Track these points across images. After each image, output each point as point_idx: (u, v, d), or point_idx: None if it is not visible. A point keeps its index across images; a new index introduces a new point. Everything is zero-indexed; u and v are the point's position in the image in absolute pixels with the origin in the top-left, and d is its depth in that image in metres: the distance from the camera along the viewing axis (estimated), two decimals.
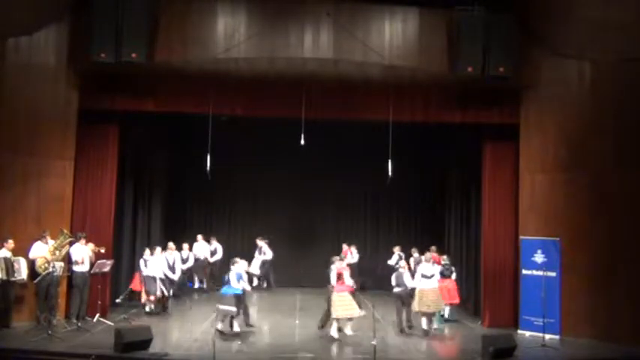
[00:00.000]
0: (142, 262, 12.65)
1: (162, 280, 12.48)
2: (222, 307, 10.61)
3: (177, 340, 10.31)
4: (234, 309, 10.50)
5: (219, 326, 10.69)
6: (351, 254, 15.83)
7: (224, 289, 10.87)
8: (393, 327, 11.48)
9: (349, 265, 14.67)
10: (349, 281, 10.90)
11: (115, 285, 12.80)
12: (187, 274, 15.09)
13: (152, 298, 12.39)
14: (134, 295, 12.99)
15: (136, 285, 12.94)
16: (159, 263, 12.57)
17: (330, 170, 16.67)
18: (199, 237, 15.68)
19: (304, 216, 17.04)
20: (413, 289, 11.31)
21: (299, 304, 13.92)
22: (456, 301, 12.59)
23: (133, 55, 10.55)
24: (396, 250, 15.38)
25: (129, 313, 11.72)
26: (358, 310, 10.64)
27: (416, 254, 14.16)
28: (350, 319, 10.69)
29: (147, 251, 12.89)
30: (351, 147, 16.31)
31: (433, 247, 13.46)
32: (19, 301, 10.86)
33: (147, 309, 12.50)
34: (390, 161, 11.57)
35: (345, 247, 15.94)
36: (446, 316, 12.41)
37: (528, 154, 11.95)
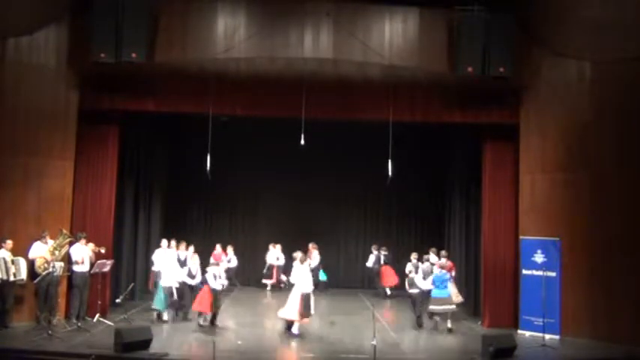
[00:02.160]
0: (211, 276, 11.26)
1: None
2: (447, 307, 11.40)
3: (177, 340, 10.31)
4: (453, 306, 11.57)
5: (450, 325, 11.41)
6: (226, 257, 15.52)
7: (439, 292, 11.36)
8: (392, 327, 11.51)
9: (228, 270, 14.18)
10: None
11: (115, 285, 12.80)
12: None
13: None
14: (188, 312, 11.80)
15: (204, 304, 11.18)
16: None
17: (330, 170, 16.70)
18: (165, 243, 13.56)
19: (304, 216, 17.04)
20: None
21: None
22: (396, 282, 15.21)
23: (133, 55, 10.54)
24: (375, 251, 16.00)
25: (129, 313, 11.71)
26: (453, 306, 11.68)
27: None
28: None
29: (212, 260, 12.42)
30: (351, 147, 16.34)
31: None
32: (19, 301, 10.86)
33: (201, 322, 11.32)
34: (390, 161, 11.58)
35: (218, 248, 15.64)
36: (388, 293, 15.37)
37: (528, 154, 11.95)
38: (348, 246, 17.46)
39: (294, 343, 10.30)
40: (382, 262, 15.90)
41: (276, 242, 16.46)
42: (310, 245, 16.20)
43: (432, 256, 13.46)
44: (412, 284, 12.00)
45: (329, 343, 10.42)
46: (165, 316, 11.68)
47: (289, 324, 10.84)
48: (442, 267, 11.82)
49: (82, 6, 10.97)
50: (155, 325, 11.02)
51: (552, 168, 11.67)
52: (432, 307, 11.47)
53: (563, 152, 11.57)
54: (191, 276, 11.97)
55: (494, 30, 10.94)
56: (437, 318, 11.53)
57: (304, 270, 10.99)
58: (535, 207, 11.79)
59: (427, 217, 17.22)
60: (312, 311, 10.95)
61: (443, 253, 12.99)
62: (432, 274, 11.73)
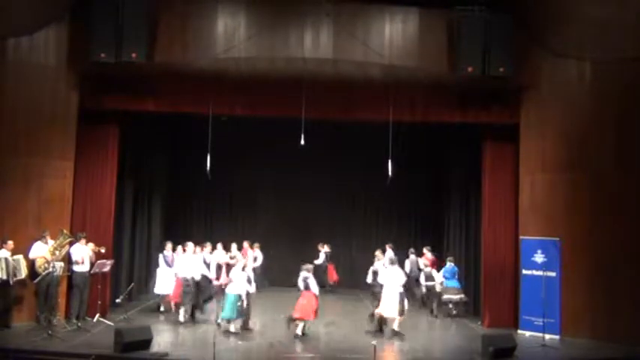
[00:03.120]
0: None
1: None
2: (461, 296, 13.10)
3: (177, 340, 10.31)
4: (463, 295, 13.20)
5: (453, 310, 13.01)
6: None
7: (451, 282, 13.01)
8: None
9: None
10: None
11: (115, 285, 12.79)
12: None
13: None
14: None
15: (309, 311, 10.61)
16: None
17: (329, 170, 16.70)
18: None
19: (304, 216, 17.04)
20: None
21: None
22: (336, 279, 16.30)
23: (133, 55, 10.56)
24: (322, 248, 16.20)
25: (129, 313, 11.72)
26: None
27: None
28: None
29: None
30: (350, 147, 16.33)
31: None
32: (19, 301, 10.86)
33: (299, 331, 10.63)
34: (389, 161, 11.58)
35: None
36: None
37: (528, 154, 11.94)
38: (348, 246, 17.43)
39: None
40: (328, 259, 16.32)
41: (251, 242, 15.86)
42: (246, 244, 15.34)
43: (389, 251, 14.40)
44: (429, 277, 13.30)
45: (329, 343, 10.42)
46: (232, 327, 10.74)
47: (384, 322, 11.14)
48: (451, 261, 13.32)
49: (82, 6, 10.97)
50: (155, 325, 11.00)
51: (552, 168, 11.66)
52: (446, 297, 13.07)
53: (563, 152, 11.56)
54: (249, 282, 11.02)
55: (495, 30, 10.95)
56: (451, 306, 13.05)
57: (395, 270, 11.26)
58: (535, 207, 11.79)
59: (427, 217, 17.21)
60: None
61: (428, 247, 14.29)
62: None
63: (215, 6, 11.05)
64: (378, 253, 12.46)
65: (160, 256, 12.85)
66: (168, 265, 12.58)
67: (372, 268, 12.69)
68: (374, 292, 12.11)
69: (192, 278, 11.64)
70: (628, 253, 10.76)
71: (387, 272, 11.29)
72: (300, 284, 10.86)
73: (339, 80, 11.78)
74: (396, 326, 10.98)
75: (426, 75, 11.56)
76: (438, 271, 13.65)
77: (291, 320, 10.65)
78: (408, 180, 15.83)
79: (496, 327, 11.61)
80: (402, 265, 14.36)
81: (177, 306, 11.93)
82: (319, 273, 16.23)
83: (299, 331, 10.56)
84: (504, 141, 12.27)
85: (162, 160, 15.94)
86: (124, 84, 11.51)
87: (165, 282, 12.50)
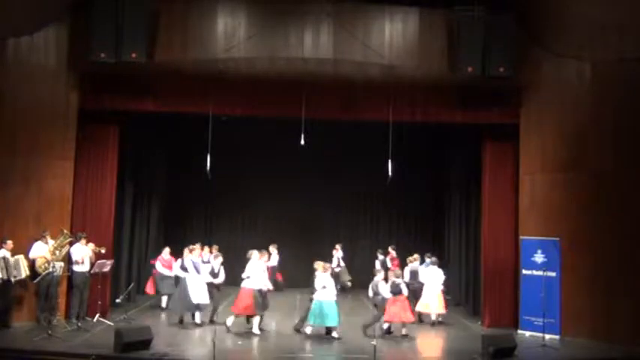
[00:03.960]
0: None
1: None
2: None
3: (177, 340, 10.31)
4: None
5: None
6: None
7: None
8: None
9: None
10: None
11: (115, 285, 12.79)
12: None
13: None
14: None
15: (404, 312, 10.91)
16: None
17: (329, 170, 16.71)
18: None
19: (304, 216, 17.05)
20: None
21: (299, 304, 13.91)
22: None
23: (133, 54, 10.56)
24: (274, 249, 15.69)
25: (129, 313, 11.72)
26: None
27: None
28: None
29: None
30: (351, 147, 16.34)
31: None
32: (19, 301, 10.87)
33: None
34: (390, 161, 11.58)
35: (166, 252, 13.37)
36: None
37: (528, 153, 11.95)
38: (348, 246, 17.42)
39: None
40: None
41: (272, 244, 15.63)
42: (197, 245, 13.60)
43: (339, 251, 15.94)
44: (415, 276, 12.85)
45: (329, 343, 10.42)
46: (335, 334, 10.59)
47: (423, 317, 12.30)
48: (429, 257, 13.25)
49: (82, 6, 10.97)
50: (155, 325, 11.00)
51: (552, 168, 11.66)
52: None
53: (563, 152, 11.56)
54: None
55: (494, 30, 10.96)
56: None
57: (434, 269, 12.40)
58: (535, 207, 11.79)
59: (427, 217, 17.22)
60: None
61: (392, 246, 14.93)
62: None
63: (215, 6, 11.05)
64: (414, 256, 12.92)
65: (189, 262, 11.42)
66: (198, 271, 11.40)
67: (408, 269, 12.72)
68: (411, 291, 12.05)
69: (263, 288, 10.99)
70: (628, 253, 10.76)
71: (428, 271, 12.35)
72: (385, 292, 10.77)
73: (339, 80, 11.77)
74: (433, 317, 12.07)
75: (426, 75, 11.56)
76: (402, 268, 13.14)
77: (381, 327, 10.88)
78: (408, 180, 15.84)
79: (496, 327, 11.62)
80: (372, 265, 14.70)
81: (249, 318, 11.07)
82: (272, 274, 16.12)
83: (405, 332, 10.94)
84: (504, 141, 12.26)
85: (162, 160, 15.94)
86: (124, 84, 11.50)
87: (201, 291, 11.30)
